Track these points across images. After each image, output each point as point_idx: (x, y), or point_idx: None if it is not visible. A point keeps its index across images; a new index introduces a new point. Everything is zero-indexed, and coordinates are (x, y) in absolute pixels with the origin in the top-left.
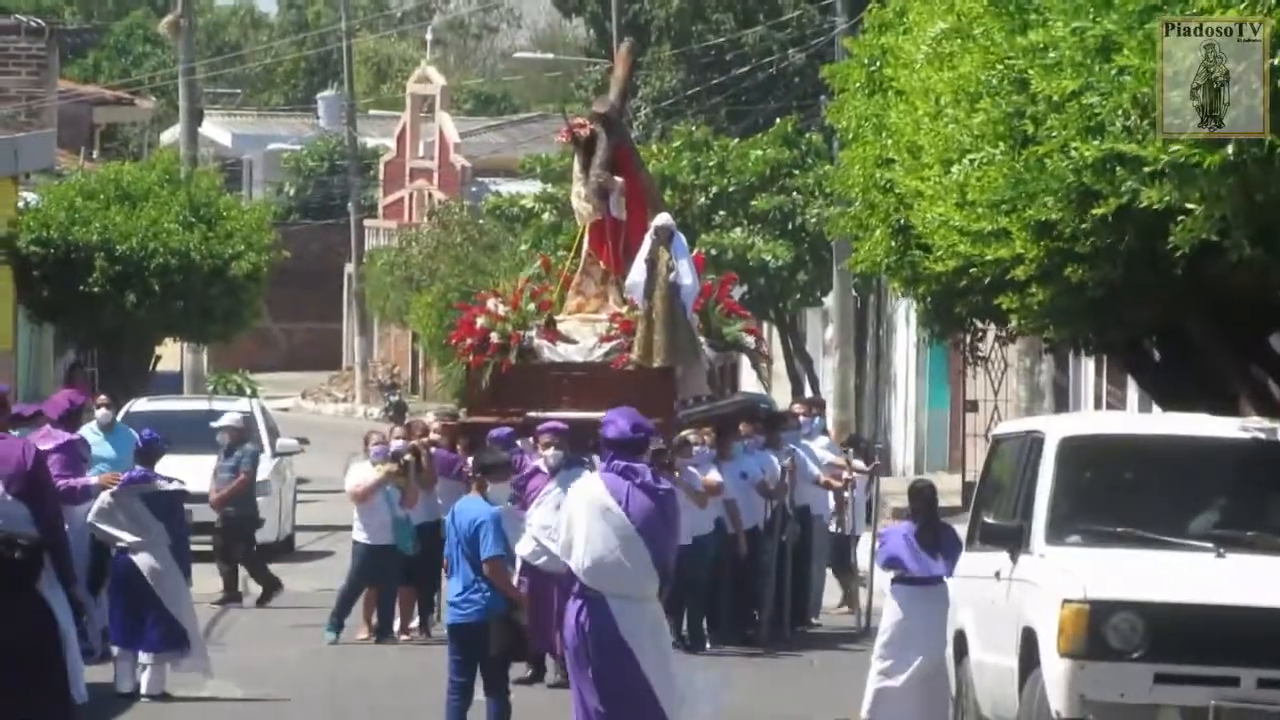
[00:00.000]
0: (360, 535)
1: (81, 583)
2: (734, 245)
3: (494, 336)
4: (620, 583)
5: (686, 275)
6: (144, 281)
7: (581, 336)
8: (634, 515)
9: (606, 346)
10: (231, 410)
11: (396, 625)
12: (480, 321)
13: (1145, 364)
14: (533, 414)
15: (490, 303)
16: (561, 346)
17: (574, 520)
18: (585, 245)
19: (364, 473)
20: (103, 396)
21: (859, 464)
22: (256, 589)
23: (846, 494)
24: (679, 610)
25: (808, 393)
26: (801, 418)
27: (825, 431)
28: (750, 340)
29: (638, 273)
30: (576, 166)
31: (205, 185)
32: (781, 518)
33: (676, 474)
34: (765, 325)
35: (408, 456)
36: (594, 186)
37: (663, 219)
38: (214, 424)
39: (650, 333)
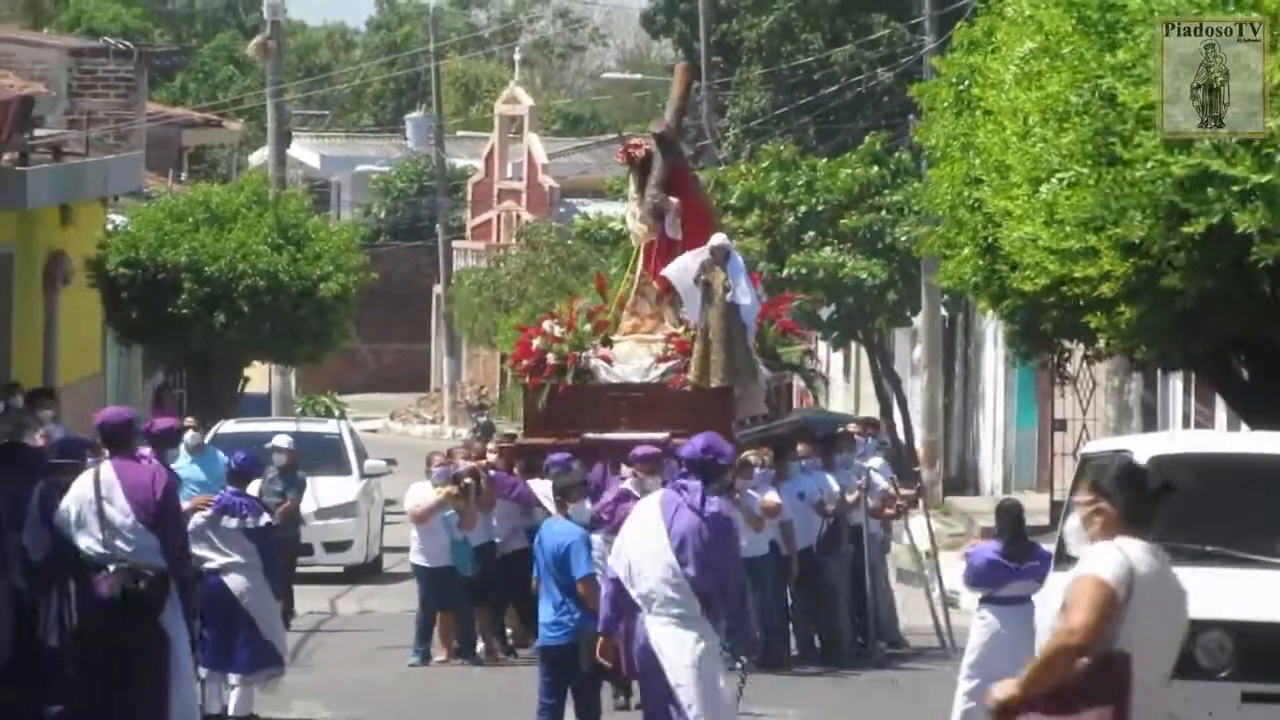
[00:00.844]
0: (418, 558)
1: None
2: (824, 264)
3: (550, 358)
4: (652, 598)
5: (745, 294)
6: (232, 303)
7: (637, 357)
8: (673, 533)
9: (663, 367)
10: (283, 433)
11: (480, 646)
12: (536, 343)
13: (1233, 381)
14: (590, 435)
15: (546, 324)
16: (618, 367)
17: (626, 533)
18: (640, 266)
19: (424, 493)
20: (190, 419)
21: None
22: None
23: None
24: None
25: (895, 413)
26: (856, 437)
27: (879, 451)
28: (809, 362)
29: (684, 280)
30: (632, 187)
31: (293, 207)
32: (848, 534)
33: (737, 496)
34: (853, 344)
35: (467, 479)
36: (649, 207)
37: (718, 239)
38: (268, 445)
39: (707, 352)
